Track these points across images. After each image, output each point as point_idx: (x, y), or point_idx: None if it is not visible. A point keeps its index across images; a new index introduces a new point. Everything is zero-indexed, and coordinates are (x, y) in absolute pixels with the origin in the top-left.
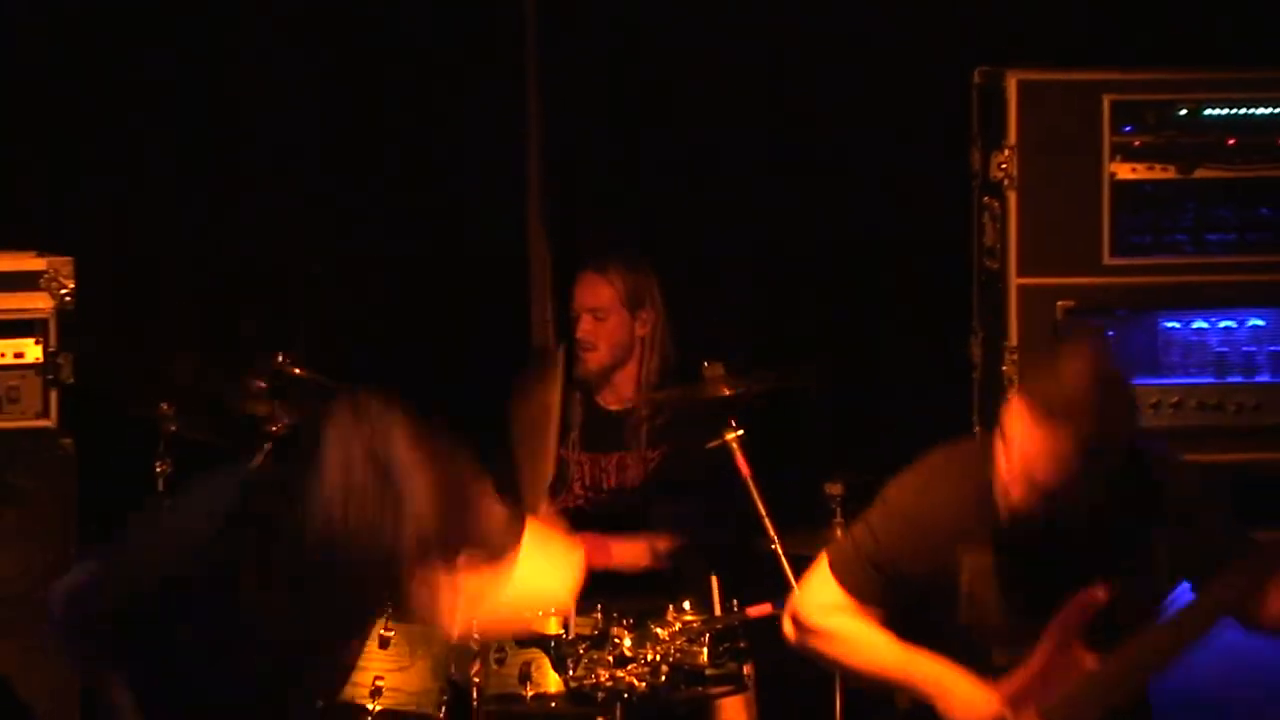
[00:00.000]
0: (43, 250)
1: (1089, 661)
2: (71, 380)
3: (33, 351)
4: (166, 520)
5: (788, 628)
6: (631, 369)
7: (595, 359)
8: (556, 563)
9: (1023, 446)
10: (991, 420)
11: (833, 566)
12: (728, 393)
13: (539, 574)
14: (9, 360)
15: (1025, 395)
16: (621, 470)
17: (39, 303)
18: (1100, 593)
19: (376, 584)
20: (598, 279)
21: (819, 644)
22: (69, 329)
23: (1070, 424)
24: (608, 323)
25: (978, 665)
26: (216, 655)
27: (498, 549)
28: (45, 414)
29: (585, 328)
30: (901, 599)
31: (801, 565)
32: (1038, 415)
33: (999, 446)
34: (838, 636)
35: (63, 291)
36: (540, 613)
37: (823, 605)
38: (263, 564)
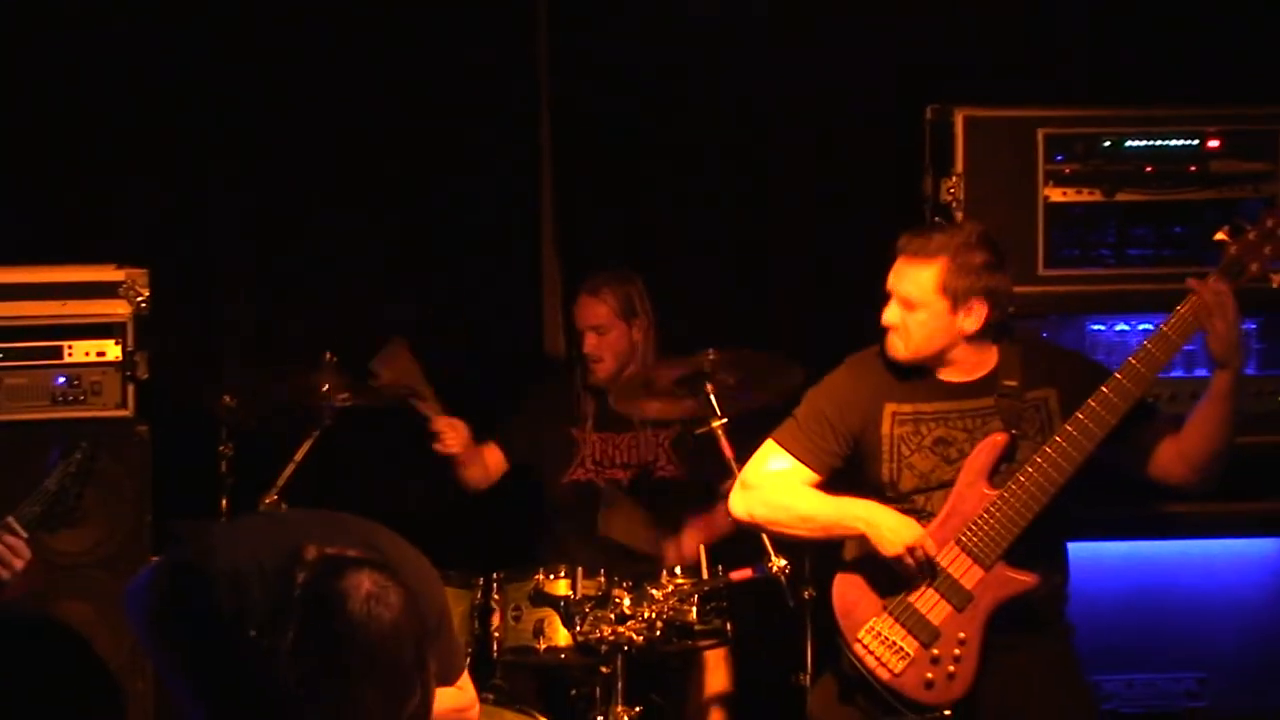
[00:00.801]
0: (121, 263)
1: (992, 494)
2: (147, 376)
3: (113, 351)
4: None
5: (734, 498)
6: (634, 368)
7: (604, 369)
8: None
9: (895, 287)
10: None
11: (777, 440)
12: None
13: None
14: (93, 359)
15: (899, 252)
16: (634, 448)
17: (118, 309)
18: (1001, 437)
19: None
20: (593, 300)
21: (760, 497)
22: (144, 331)
23: (933, 260)
24: (609, 336)
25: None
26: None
27: (451, 673)
28: (124, 405)
29: (591, 343)
30: (836, 460)
31: (774, 537)
32: (907, 258)
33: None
34: (779, 488)
35: (139, 299)
36: None
37: (768, 469)
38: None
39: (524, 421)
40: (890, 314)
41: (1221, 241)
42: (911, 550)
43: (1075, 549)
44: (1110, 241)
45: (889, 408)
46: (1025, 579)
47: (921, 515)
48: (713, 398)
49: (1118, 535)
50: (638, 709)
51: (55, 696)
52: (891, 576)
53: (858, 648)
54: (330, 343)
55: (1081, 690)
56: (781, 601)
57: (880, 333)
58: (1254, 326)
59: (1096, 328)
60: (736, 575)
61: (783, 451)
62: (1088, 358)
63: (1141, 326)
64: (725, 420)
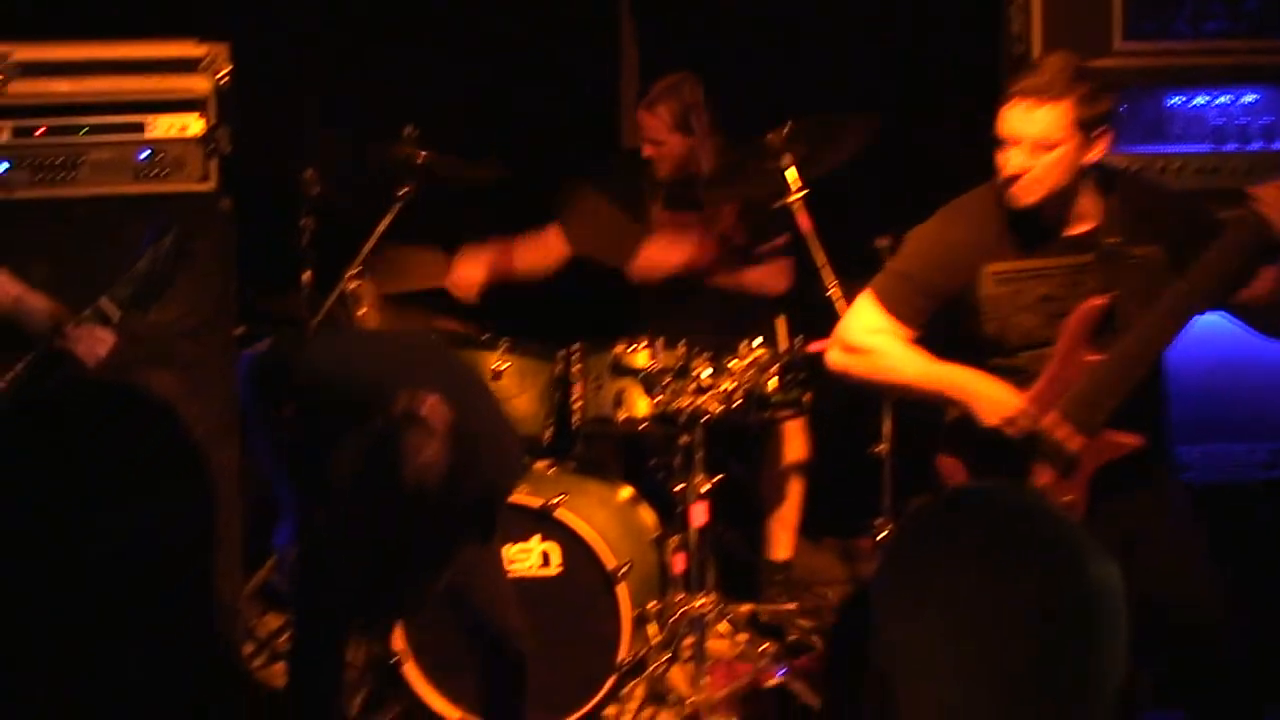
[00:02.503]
0: (203, 38)
1: (1094, 360)
2: (229, 150)
3: (195, 126)
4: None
5: (833, 354)
6: (694, 166)
7: (663, 170)
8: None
9: (1020, 131)
10: None
11: (875, 294)
12: (791, 159)
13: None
14: (175, 134)
15: (1016, 93)
16: (708, 222)
17: (200, 84)
18: (1099, 301)
19: (474, 520)
20: (649, 115)
21: (862, 361)
22: (226, 105)
23: (1061, 98)
24: (666, 146)
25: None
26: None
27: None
28: (206, 179)
29: (649, 151)
30: (935, 318)
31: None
32: (1031, 100)
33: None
34: (879, 351)
35: (220, 74)
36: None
37: (867, 327)
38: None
39: (590, 207)
40: (1016, 161)
41: None
42: (1011, 421)
43: None
44: (1186, 15)
45: (987, 269)
46: (1130, 440)
47: (1026, 375)
48: (793, 169)
49: None
50: (716, 477)
51: (140, 467)
52: (993, 443)
53: None
54: (412, 116)
55: (1195, 530)
56: None
57: (979, 181)
58: None
59: (1174, 100)
60: (815, 346)
61: (879, 309)
62: (1198, 208)
63: (1220, 100)
64: (805, 192)
